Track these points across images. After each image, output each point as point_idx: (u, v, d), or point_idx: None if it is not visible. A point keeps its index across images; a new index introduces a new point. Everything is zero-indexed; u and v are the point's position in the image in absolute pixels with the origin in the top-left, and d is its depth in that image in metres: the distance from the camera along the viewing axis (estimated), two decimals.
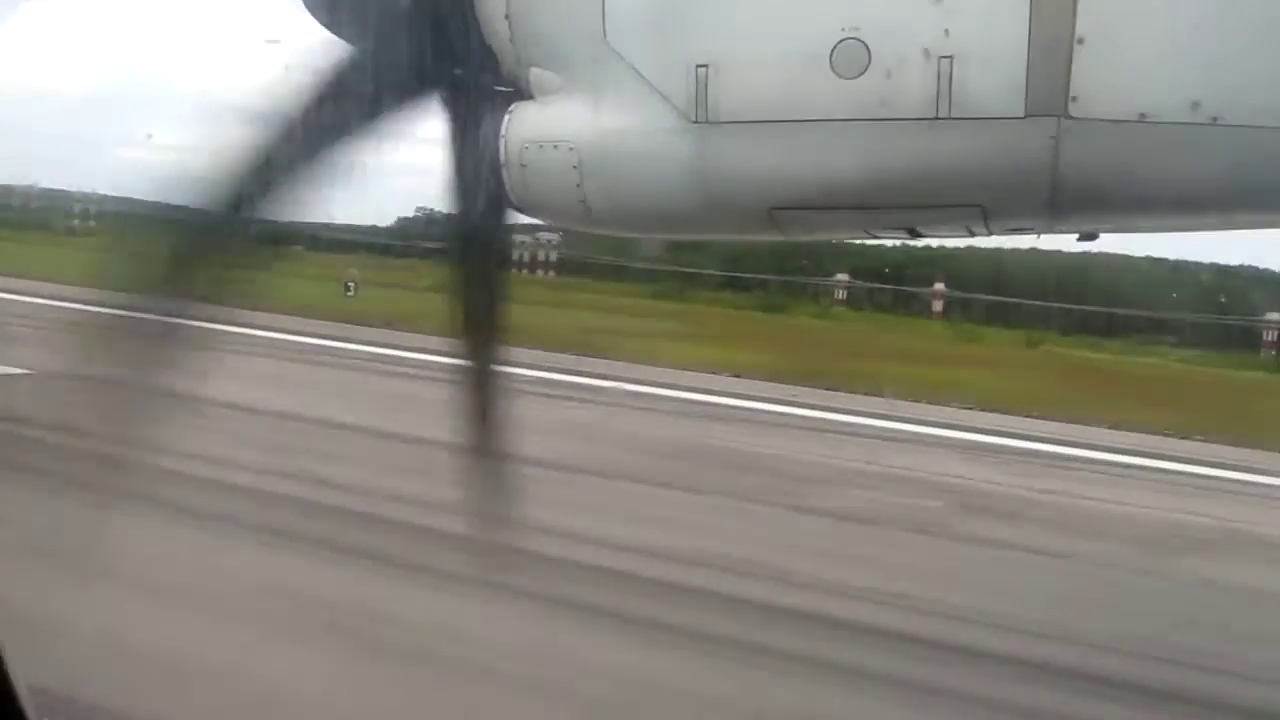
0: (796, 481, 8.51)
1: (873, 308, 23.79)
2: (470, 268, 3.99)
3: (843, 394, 12.55)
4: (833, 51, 3.02)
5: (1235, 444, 10.70)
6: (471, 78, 3.58)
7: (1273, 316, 20.76)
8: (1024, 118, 2.96)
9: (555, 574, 5.67)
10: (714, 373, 13.47)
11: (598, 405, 11.31)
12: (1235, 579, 6.83)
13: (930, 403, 12.41)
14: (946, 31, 2.96)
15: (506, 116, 3.46)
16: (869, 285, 23.98)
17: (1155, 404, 13.19)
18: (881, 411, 11.59)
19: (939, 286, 23.21)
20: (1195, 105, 2.86)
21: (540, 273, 24.07)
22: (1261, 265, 21.86)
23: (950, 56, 2.96)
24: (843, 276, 23.97)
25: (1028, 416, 11.80)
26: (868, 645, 5.33)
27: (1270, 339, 21.03)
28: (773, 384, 12.90)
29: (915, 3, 2.99)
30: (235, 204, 3.60)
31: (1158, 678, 5.12)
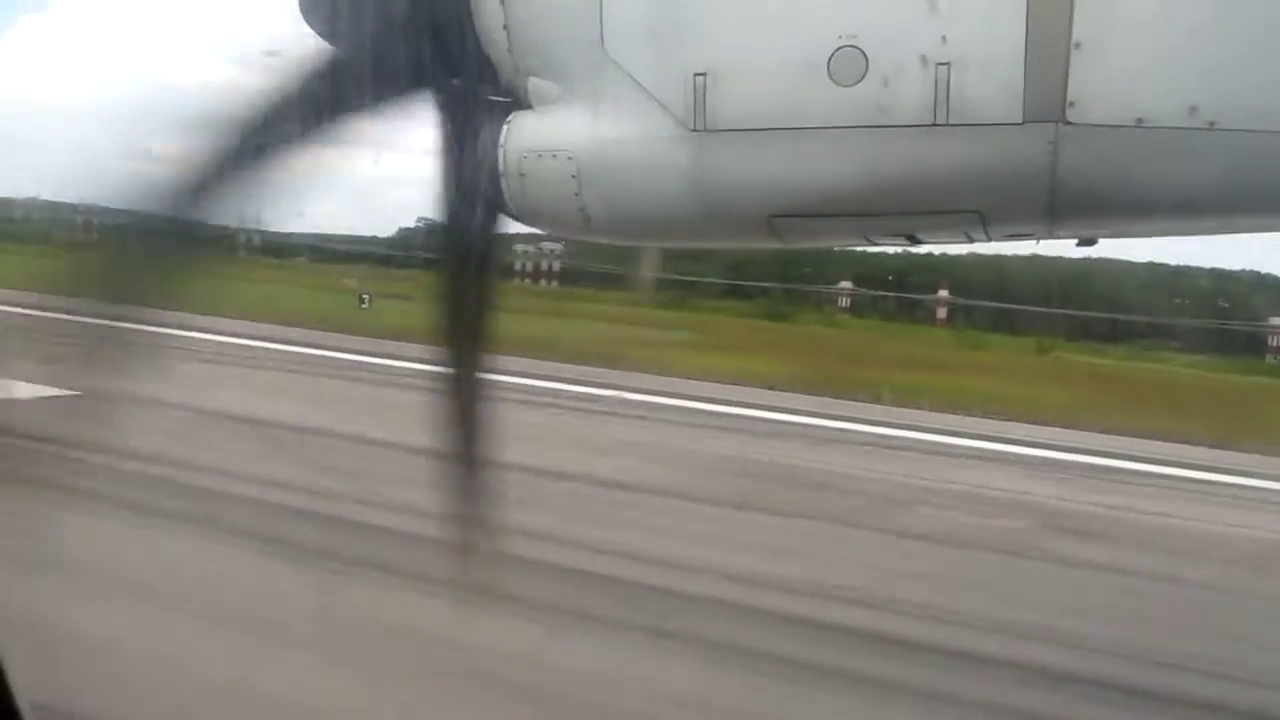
0: (870, 500, 8.33)
1: (877, 315, 23.80)
2: (461, 276, 3.99)
3: (877, 406, 12.51)
4: (830, 59, 3.02)
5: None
6: (470, 88, 3.59)
7: (1277, 321, 20.73)
8: (1022, 123, 2.96)
9: (692, 613, 5.56)
10: (744, 385, 13.37)
11: (639, 421, 11.19)
12: None
13: (965, 414, 12.36)
14: (944, 38, 2.96)
15: (505, 126, 3.47)
16: (872, 293, 23.98)
17: (1183, 412, 13.15)
18: (921, 423, 11.53)
19: (943, 293, 23.22)
20: (1193, 110, 2.86)
21: (543, 282, 24.11)
22: (1263, 270, 21.84)
23: (948, 63, 2.96)
24: (846, 284, 23.99)
25: (1066, 427, 11.75)
26: (1021, 683, 5.09)
27: (1275, 344, 21.01)
28: (806, 396, 12.84)
29: (912, 10, 2.99)
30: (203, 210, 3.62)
31: None
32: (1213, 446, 10.91)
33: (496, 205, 3.54)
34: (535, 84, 3.43)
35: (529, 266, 23.73)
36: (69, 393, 9.65)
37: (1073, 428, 11.80)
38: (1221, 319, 21.21)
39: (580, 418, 11.14)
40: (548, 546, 6.20)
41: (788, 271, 22.66)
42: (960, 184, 3.15)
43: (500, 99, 3.53)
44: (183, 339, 13.90)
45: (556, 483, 7.94)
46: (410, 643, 5.07)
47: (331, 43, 3.83)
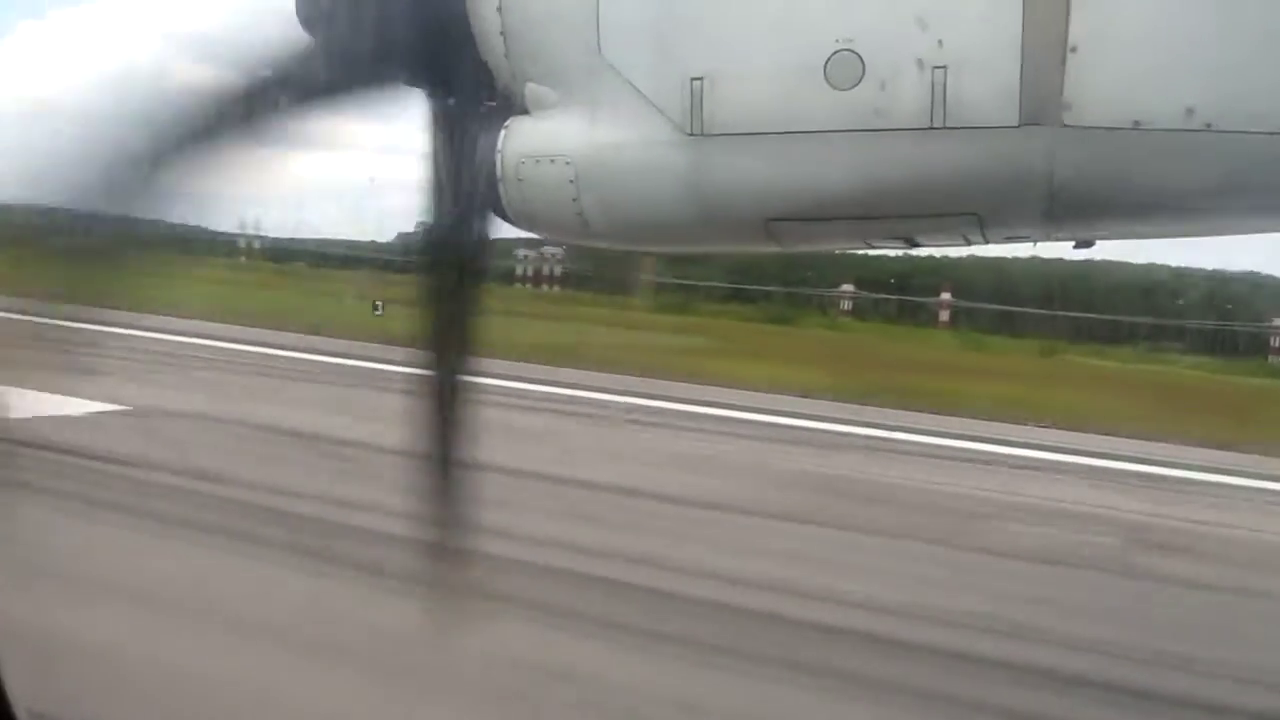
0: (953, 516, 8.18)
1: (879, 318, 23.83)
2: (453, 281, 4.00)
3: (914, 413, 12.44)
4: (827, 63, 3.03)
5: None
6: (467, 93, 3.60)
7: (1278, 323, 20.72)
8: (1018, 126, 2.96)
9: (821, 644, 5.42)
10: (777, 393, 13.31)
11: (689, 433, 11.04)
12: None
13: (1005, 421, 12.30)
14: (940, 42, 2.96)
15: (503, 132, 3.47)
16: (874, 296, 24.00)
17: (1214, 416, 13.14)
18: (966, 431, 11.49)
19: (945, 296, 23.23)
20: (1189, 112, 2.86)
21: (545, 287, 24.14)
22: (1264, 271, 21.83)
23: (944, 66, 2.96)
24: (848, 287, 24.01)
25: (1106, 434, 11.68)
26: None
27: (1277, 345, 21.00)
28: (841, 403, 12.78)
29: (908, 14, 3.00)
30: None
31: None
32: (1264, 454, 10.82)
33: (488, 210, 3.55)
34: (532, 89, 3.44)
35: (530, 271, 23.77)
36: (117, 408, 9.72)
37: (1113, 434, 11.74)
38: (1222, 320, 21.20)
39: (628, 429, 11.06)
40: (673, 576, 6.16)
41: (789, 275, 22.69)
42: (957, 187, 3.15)
43: (498, 104, 3.54)
44: (200, 347, 13.98)
45: (642, 501, 7.89)
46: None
47: (330, 49, 3.84)
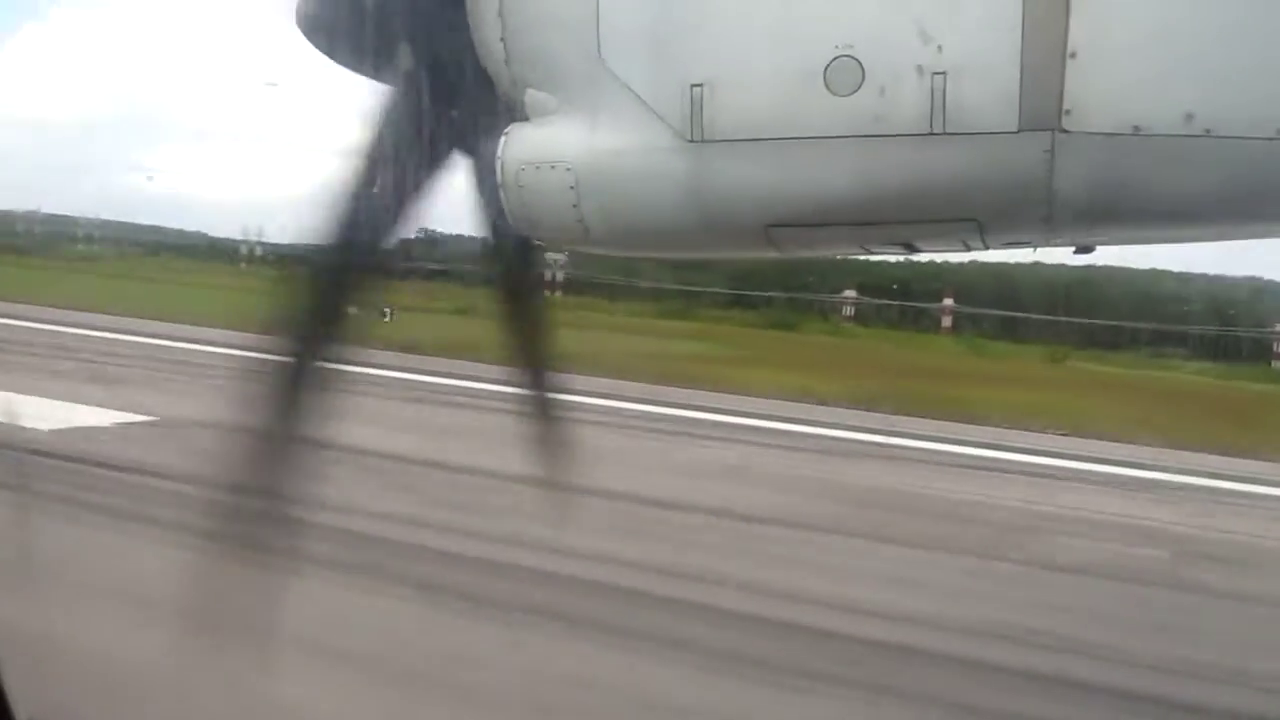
0: (1005, 531, 8.03)
1: (881, 324, 23.85)
2: (514, 291, 4.04)
3: (940, 421, 12.42)
4: (826, 69, 3.03)
5: None
6: (470, 100, 3.61)
7: None
8: (1018, 132, 2.96)
9: (918, 668, 5.25)
10: (799, 401, 13.26)
11: (734, 444, 10.89)
12: None
13: (1023, 429, 12.29)
14: (939, 48, 2.97)
15: (503, 138, 3.48)
16: (877, 301, 24.03)
17: (1233, 423, 13.12)
18: (997, 441, 11.46)
19: (948, 302, 23.24)
20: (1189, 117, 2.86)
21: (550, 293, 24.16)
22: (1266, 277, 21.85)
23: (943, 72, 2.97)
24: (850, 292, 24.03)
25: (1131, 443, 11.66)
26: None
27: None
28: (868, 412, 12.76)
29: (908, 19, 3.00)
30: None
31: None
32: None
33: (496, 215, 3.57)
34: (533, 95, 3.44)
35: None
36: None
37: (1138, 443, 11.71)
38: (1225, 326, 21.20)
39: (669, 441, 10.92)
40: (775, 602, 6.00)
41: (790, 280, 22.71)
42: (957, 193, 3.15)
43: (498, 111, 3.54)
44: (193, 352, 13.96)
45: (705, 518, 7.77)
46: None
47: (332, 58, 3.86)
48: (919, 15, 2.98)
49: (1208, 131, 2.86)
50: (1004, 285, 22.14)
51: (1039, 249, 3.65)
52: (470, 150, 3.71)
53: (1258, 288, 22.40)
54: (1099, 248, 3.79)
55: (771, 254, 3.64)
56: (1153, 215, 3.21)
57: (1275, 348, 21.08)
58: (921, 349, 21.10)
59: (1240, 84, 2.88)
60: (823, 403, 13.36)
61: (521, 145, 3.46)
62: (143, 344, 14.78)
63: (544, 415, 4.38)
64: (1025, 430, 12.31)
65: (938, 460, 10.61)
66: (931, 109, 2.98)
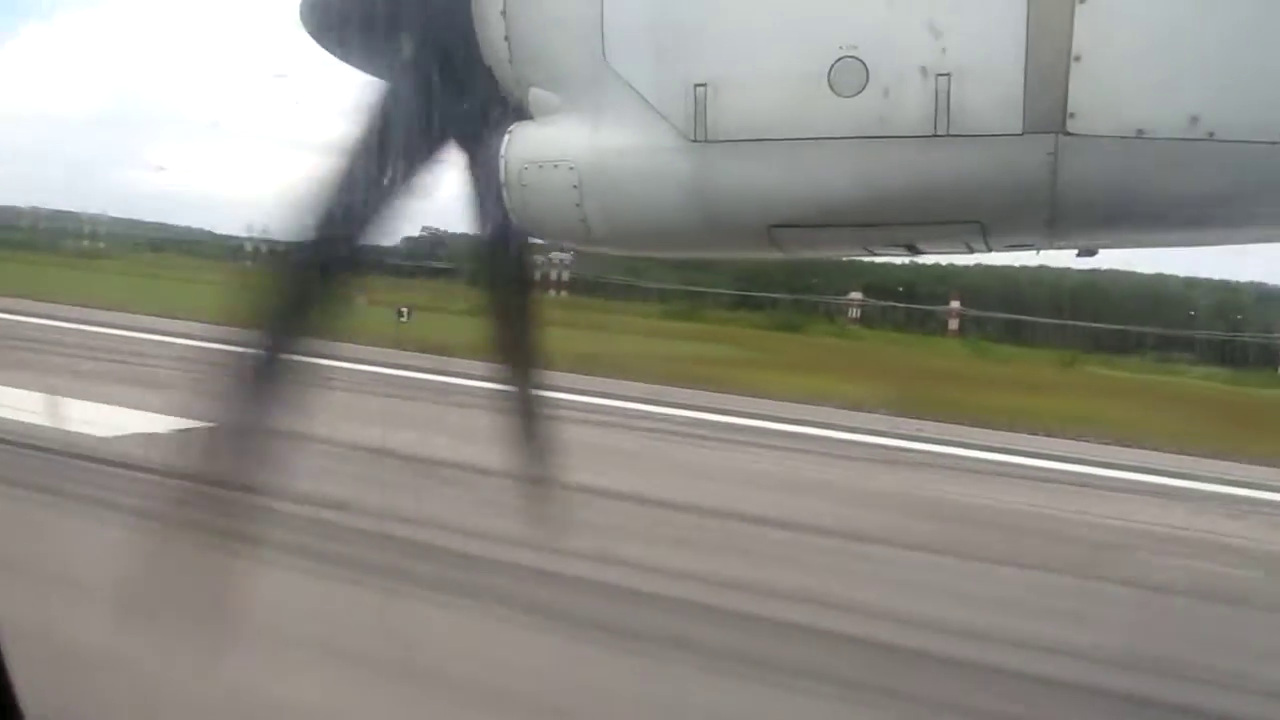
0: (1080, 546, 8.03)
1: (887, 326, 23.82)
2: (504, 289, 4.04)
3: (970, 427, 12.49)
4: (831, 70, 3.02)
5: None
6: (475, 98, 3.61)
7: None
8: (1022, 134, 2.96)
9: (1020, 692, 5.31)
10: (824, 405, 13.29)
11: (773, 451, 10.88)
12: None
13: (1061, 437, 12.33)
14: (944, 49, 2.96)
15: (506, 136, 3.48)
16: (883, 303, 24.00)
17: (1251, 430, 13.15)
18: (1038, 449, 11.52)
19: (955, 304, 23.20)
20: (1193, 120, 2.86)
21: (554, 293, 24.14)
22: (1271, 283, 21.78)
23: (948, 74, 2.96)
24: (856, 295, 23.99)
25: (1178, 453, 11.71)
26: None
27: None
28: (898, 418, 12.75)
29: (913, 21, 2.99)
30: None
31: None
32: None
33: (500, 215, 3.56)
34: (536, 95, 3.44)
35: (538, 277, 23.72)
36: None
37: (1184, 453, 11.74)
38: (1232, 331, 21.14)
39: (709, 448, 10.89)
40: (849, 617, 6.10)
41: (796, 282, 22.69)
42: (961, 195, 3.15)
43: (502, 109, 3.54)
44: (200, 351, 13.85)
45: (772, 530, 7.81)
46: None
47: (338, 57, 3.86)
48: (924, 17, 2.97)
49: (1211, 135, 2.85)
50: (1010, 288, 22.11)
51: (1042, 252, 3.64)
52: (472, 148, 3.71)
53: (1263, 293, 22.35)
54: (1103, 251, 3.78)
55: (774, 254, 3.63)
56: (1156, 219, 3.20)
57: None
58: (930, 352, 21.06)
59: (1244, 88, 2.88)
60: (855, 407, 13.33)
61: (525, 144, 3.46)
62: (169, 344, 14.47)
63: (528, 413, 4.32)
64: (1066, 438, 12.34)
65: (998, 471, 10.54)
66: (936, 111, 2.97)
